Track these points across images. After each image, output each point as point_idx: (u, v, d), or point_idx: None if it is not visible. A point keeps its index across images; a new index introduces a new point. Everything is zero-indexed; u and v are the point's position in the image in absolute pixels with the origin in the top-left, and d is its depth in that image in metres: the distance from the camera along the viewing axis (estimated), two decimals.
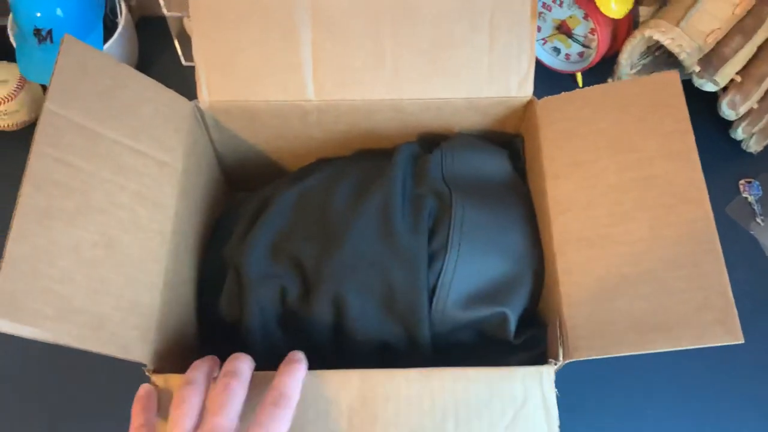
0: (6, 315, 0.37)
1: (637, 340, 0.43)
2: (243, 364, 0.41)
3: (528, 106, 0.55)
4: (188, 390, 0.40)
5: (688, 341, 0.41)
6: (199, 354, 0.52)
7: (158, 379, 0.44)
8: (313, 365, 0.43)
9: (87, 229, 0.43)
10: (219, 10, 0.52)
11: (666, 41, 0.62)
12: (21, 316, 0.38)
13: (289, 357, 0.42)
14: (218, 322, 0.52)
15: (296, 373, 0.41)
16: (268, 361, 0.49)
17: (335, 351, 0.50)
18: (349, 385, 0.42)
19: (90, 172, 0.44)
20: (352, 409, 0.41)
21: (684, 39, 0.62)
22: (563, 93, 0.53)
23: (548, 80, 0.62)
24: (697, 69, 0.62)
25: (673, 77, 0.49)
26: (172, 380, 0.44)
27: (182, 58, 0.76)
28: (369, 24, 0.52)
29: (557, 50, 0.73)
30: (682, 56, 0.62)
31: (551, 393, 0.42)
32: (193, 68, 0.75)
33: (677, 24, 0.62)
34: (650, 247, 0.45)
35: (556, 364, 0.45)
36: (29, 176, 0.41)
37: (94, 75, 0.47)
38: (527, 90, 0.54)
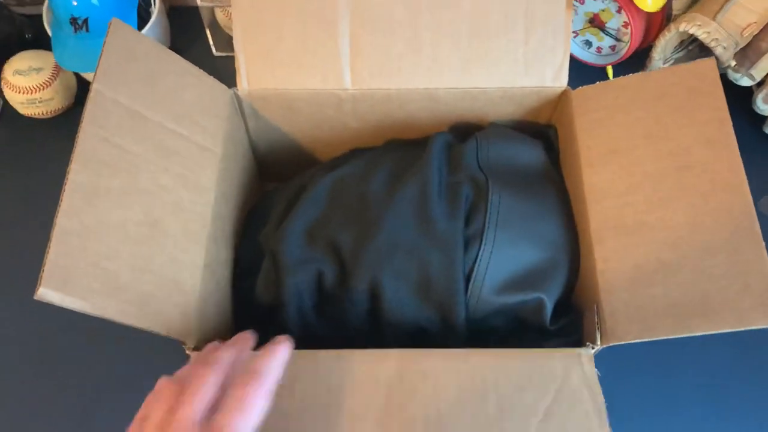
0: (56, 287, 0.38)
1: (676, 324, 0.43)
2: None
3: (562, 96, 0.55)
4: (208, 370, 0.37)
5: (728, 325, 0.41)
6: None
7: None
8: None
9: (132, 209, 0.44)
10: (260, 0, 0.53)
11: (702, 35, 0.62)
12: (70, 290, 0.39)
13: (272, 339, 0.40)
14: (254, 306, 0.53)
15: (276, 354, 0.38)
16: (304, 345, 0.50)
17: (370, 336, 0.50)
18: (386, 362, 0.43)
19: (136, 153, 0.45)
20: (389, 385, 0.42)
21: (720, 33, 0.62)
22: (598, 82, 0.53)
23: (579, 73, 0.62)
24: (733, 63, 0.62)
25: (710, 65, 0.49)
26: None
27: (213, 48, 0.77)
28: (407, 14, 0.53)
29: (589, 43, 0.73)
30: (718, 50, 0.62)
31: (592, 372, 0.42)
32: (223, 58, 0.77)
33: (713, 18, 0.62)
34: (688, 234, 0.45)
35: (593, 348, 0.45)
36: (78, 155, 0.42)
37: (140, 59, 0.48)
38: (562, 80, 0.55)
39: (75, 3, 0.65)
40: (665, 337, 0.43)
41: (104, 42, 0.46)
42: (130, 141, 0.45)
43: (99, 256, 0.41)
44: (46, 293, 0.38)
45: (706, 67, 0.49)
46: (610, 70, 0.73)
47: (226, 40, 0.77)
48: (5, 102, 0.73)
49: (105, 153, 0.44)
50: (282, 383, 0.40)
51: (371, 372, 0.42)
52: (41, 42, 0.73)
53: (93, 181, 0.42)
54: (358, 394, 0.42)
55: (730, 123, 0.47)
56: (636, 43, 0.69)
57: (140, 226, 0.44)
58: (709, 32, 0.62)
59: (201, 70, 0.52)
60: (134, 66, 0.47)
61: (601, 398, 0.41)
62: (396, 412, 0.41)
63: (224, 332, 0.51)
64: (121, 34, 0.47)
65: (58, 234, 0.39)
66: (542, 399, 0.41)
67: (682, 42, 0.69)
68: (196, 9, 0.74)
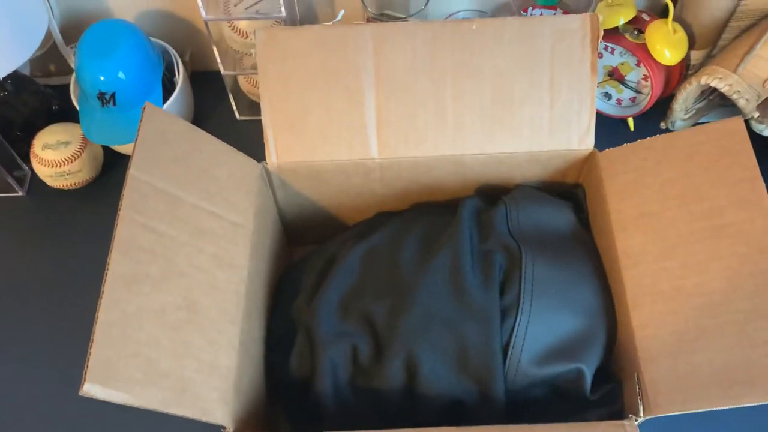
0: (100, 381, 0.38)
1: (721, 394, 0.42)
2: None
3: (589, 158, 0.56)
4: None
5: None
6: (268, 413, 0.52)
7: None
8: (384, 426, 0.43)
9: (171, 293, 0.44)
10: (287, 74, 0.54)
11: (724, 88, 0.62)
12: (113, 382, 0.39)
13: None
14: (287, 381, 0.53)
15: None
16: (339, 420, 0.50)
17: (407, 410, 0.50)
18: None
19: (172, 237, 0.46)
20: None
21: (741, 85, 0.62)
22: (625, 144, 0.53)
23: (599, 125, 0.62)
24: (756, 114, 0.62)
25: (737, 124, 0.49)
26: None
27: (236, 113, 0.78)
28: (431, 84, 0.54)
29: (608, 95, 0.73)
30: (740, 102, 0.62)
31: None
32: (246, 122, 0.78)
33: (734, 70, 0.62)
34: (728, 298, 0.44)
35: (636, 420, 0.44)
36: (117, 243, 0.43)
37: (172, 140, 0.48)
38: (588, 143, 0.55)
39: (102, 78, 0.66)
40: (710, 409, 0.42)
41: (138, 127, 0.47)
42: (166, 225, 0.46)
43: (140, 344, 0.41)
44: (91, 389, 0.38)
45: (734, 126, 0.49)
46: (631, 122, 0.74)
47: (248, 105, 0.78)
48: (33, 174, 0.74)
49: (143, 239, 0.44)
50: None
51: None
52: (68, 113, 0.75)
53: (132, 269, 0.43)
54: None
55: (763, 183, 0.47)
56: (656, 95, 0.69)
57: (179, 310, 0.44)
58: (731, 85, 0.62)
59: (231, 147, 0.53)
60: (168, 148, 0.48)
61: None
62: None
63: (258, 408, 0.51)
64: (154, 118, 0.48)
65: (101, 326, 0.40)
66: None
67: (703, 92, 0.69)
68: (218, 74, 0.75)
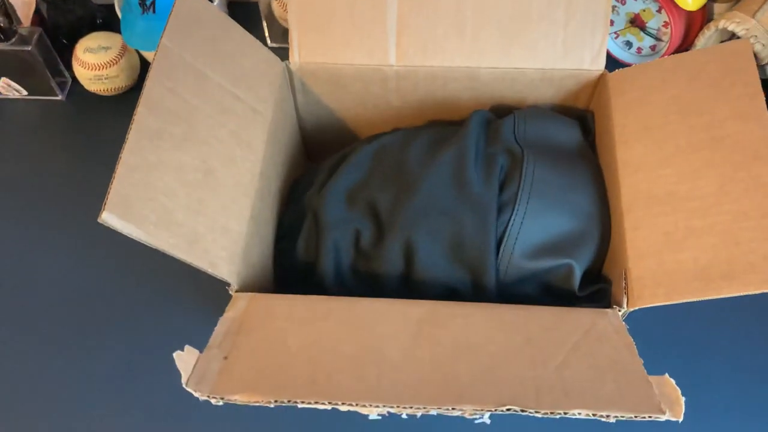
0: (116, 212, 0.41)
1: (702, 287, 0.44)
2: None
3: (600, 79, 0.57)
4: None
5: (754, 287, 0.42)
6: (274, 291, 0.55)
7: (241, 296, 0.47)
8: None
9: (190, 155, 0.47)
10: None
11: (741, 32, 0.63)
12: (129, 217, 0.42)
13: None
14: (293, 265, 0.56)
15: None
16: None
17: (403, 295, 0.52)
18: (418, 307, 0.45)
19: (196, 106, 0.49)
20: (420, 320, 0.44)
21: (758, 30, 0.63)
22: (634, 65, 0.55)
23: None
24: None
25: (743, 46, 0.51)
26: (256, 299, 0.47)
27: (268, 40, 0.82)
28: None
29: (629, 44, 0.75)
30: (756, 47, 0.64)
31: (620, 323, 0.43)
32: (277, 49, 0.81)
33: (752, 16, 0.64)
34: (719, 201, 0.46)
35: (620, 311, 0.46)
36: (145, 100, 0.46)
37: (204, 23, 0.52)
38: (600, 64, 0.57)
39: None
40: (691, 300, 0.44)
41: (174, 4, 0.50)
42: (191, 94, 0.49)
43: (158, 192, 0.45)
44: (108, 218, 0.41)
45: (740, 47, 0.51)
46: None
47: (281, 32, 0.81)
48: (74, 80, 0.78)
49: (170, 101, 0.47)
50: (316, 312, 0.43)
51: (404, 310, 0.45)
52: (111, 26, 0.79)
53: (157, 125, 0.46)
54: (390, 324, 0.44)
55: (763, 97, 0.48)
56: (676, 43, 0.70)
57: (196, 172, 0.47)
58: (748, 29, 0.63)
59: (258, 41, 0.56)
60: (199, 28, 0.51)
61: (630, 339, 0.42)
62: (426, 337, 0.43)
63: (265, 285, 0.54)
64: None
65: (123, 167, 0.43)
66: (571, 335, 0.42)
67: (722, 42, 0.70)
68: (254, 4, 0.78)
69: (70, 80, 0.79)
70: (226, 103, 0.51)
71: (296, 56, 0.58)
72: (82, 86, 0.77)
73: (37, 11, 0.77)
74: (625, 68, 0.55)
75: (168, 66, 0.48)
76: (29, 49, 0.72)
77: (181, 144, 0.47)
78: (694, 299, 0.44)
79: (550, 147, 0.55)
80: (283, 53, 0.59)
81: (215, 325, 0.44)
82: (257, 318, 0.45)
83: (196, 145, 0.48)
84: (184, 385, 0.39)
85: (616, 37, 0.75)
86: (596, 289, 0.50)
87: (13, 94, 0.78)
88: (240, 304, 0.47)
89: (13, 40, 0.72)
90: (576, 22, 0.56)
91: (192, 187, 0.47)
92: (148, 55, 0.77)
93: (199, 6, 0.52)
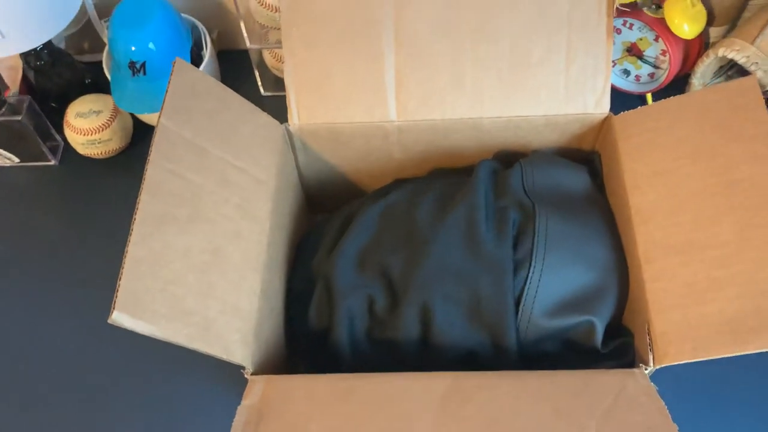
0: (127, 311, 0.40)
1: (731, 341, 0.43)
2: None
3: (605, 122, 0.57)
4: None
5: None
6: (288, 364, 0.54)
7: (258, 379, 0.46)
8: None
9: (197, 236, 0.46)
10: (309, 37, 0.56)
11: (741, 59, 0.63)
12: (140, 313, 0.41)
13: None
14: (306, 334, 0.54)
15: None
16: (355, 370, 0.51)
17: (421, 361, 0.51)
18: (441, 379, 0.44)
19: (199, 184, 0.48)
20: (444, 395, 0.42)
21: (759, 57, 0.63)
22: (640, 107, 0.54)
23: (618, 102, 0.63)
24: None
25: (751, 83, 0.50)
26: (272, 382, 0.46)
27: (261, 89, 0.81)
28: (450, 47, 0.55)
29: (627, 72, 0.74)
30: (758, 74, 0.63)
31: (649, 384, 0.42)
32: (271, 97, 0.80)
33: (752, 42, 0.63)
34: (739, 249, 0.45)
35: (646, 369, 0.45)
36: (147, 186, 0.45)
37: (201, 96, 0.51)
38: (604, 107, 0.56)
39: (133, 48, 0.69)
40: (719, 356, 0.43)
41: (169, 80, 0.49)
42: (193, 173, 0.48)
43: (167, 281, 0.43)
44: (119, 317, 0.40)
45: (747, 84, 0.50)
46: (649, 98, 0.74)
47: (273, 81, 0.80)
48: (66, 143, 0.77)
49: (172, 184, 0.46)
50: (336, 393, 0.42)
51: (427, 384, 0.43)
52: (100, 86, 0.78)
53: (161, 210, 0.45)
54: (413, 400, 0.42)
55: None
56: (675, 70, 0.70)
57: (203, 253, 0.46)
58: (748, 56, 0.63)
59: (256, 107, 0.55)
60: (196, 102, 0.50)
61: (661, 403, 0.41)
62: (451, 414, 0.41)
63: (278, 358, 0.53)
64: (184, 72, 0.50)
65: (130, 260, 0.42)
66: (600, 403, 0.41)
67: (721, 68, 0.70)
68: (244, 52, 0.77)
69: (62, 143, 0.78)
70: (229, 177, 0.50)
71: (295, 118, 0.57)
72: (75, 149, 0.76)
73: (24, 78, 0.76)
74: (631, 111, 0.55)
75: (167, 146, 0.47)
76: (19, 119, 0.70)
77: (186, 226, 0.46)
78: (723, 355, 0.43)
79: (560, 196, 0.54)
80: (277, 102, 0.57)
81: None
82: (276, 404, 0.44)
83: (202, 224, 0.47)
84: None
85: (613, 66, 0.75)
86: (619, 343, 0.49)
87: (4, 162, 0.77)
88: (256, 389, 0.45)
89: (2, 110, 0.70)
90: (577, 66, 0.55)
91: (200, 270, 0.46)
92: (144, 115, 0.76)
93: (195, 78, 0.51)
